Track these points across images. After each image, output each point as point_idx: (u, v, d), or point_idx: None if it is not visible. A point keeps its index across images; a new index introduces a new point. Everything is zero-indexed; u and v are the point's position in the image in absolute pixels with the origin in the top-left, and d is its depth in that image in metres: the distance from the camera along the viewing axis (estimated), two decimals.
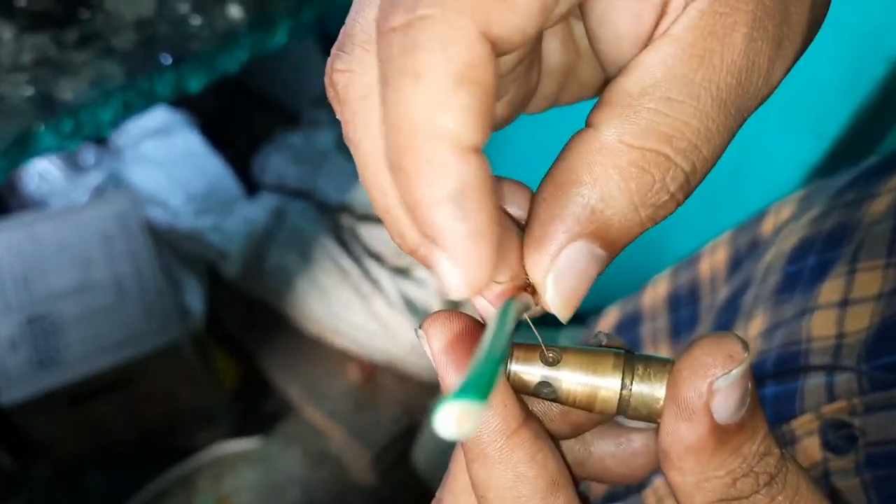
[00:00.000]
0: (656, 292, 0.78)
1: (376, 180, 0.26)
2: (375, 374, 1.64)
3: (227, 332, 1.69)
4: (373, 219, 1.65)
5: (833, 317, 0.50)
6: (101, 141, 1.73)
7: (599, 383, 0.27)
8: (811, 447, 0.48)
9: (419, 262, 0.27)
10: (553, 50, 0.30)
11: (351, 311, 1.59)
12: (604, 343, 0.29)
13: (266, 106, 1.93)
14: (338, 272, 1.61)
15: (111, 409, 1.45)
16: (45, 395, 1.33)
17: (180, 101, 1.72)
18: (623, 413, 0.27)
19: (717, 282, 0.72)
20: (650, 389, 0.27)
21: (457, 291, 0.23)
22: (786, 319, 0.54)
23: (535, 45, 0.28)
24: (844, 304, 0.50)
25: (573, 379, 0.27)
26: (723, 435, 0.24)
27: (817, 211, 0.59)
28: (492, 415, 0.26)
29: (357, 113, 0.25)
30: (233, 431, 1.61)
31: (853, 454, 0.45)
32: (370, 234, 1.64)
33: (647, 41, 0.25)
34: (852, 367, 0.47)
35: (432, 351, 0.27)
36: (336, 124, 1.78)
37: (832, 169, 1.11)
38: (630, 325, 0.79)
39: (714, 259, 0.73)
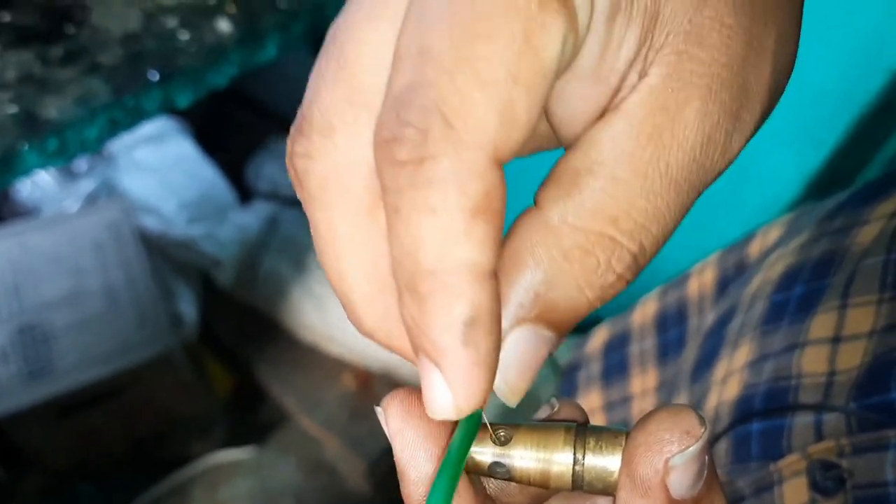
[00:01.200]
0: (645, 312, 0.77)
1: (334, 266, 0.25)
2: (371, 382, 1.63)
3: (220, 340, 1.68)
4: None
5: (825, 353, 0.49)
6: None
7: (552, 459, 0.27)
8: (799, 488, 0.47)
9: (376, 343, 0.27)
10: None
11: (345, 320, 1.58)
12: (556, 407, 0.29)
13: (260, 112, 1.92)
14: None
15: (103, 419, 1.45)
16: (37, 406, 1.32)
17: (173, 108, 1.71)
18: (578, 488, 0.27)
19: (704, 302, 0.71)
20: (603, 463, 0.26)
21: (443, 412, 0.23)
22: (774, 352, 0.53)
23: None
24: (836, 340, 0.49)
25: (525, 457, 0.27)
26: None
27: (805, 237, 0.58)
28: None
29: (315, 199, 0.25)
30: (227, 441, 1.61)
31: (841, 496, 0.45)
32: None
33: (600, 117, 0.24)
34: (842, 406, 0.47)
35: (389, 430, 0.26)
36: None
37: (831, 180, 1.10)
38: (618, 344, 0.78)
39: (702, 279, 0.73)
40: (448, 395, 0.22)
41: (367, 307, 0.25)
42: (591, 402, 0.79)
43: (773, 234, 0.67)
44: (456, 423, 0.26)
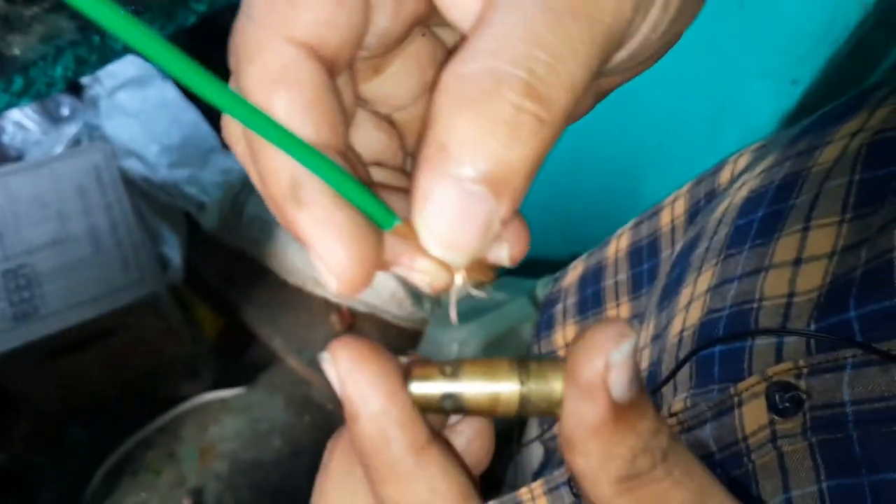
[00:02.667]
0: (619, 245, 0.77)
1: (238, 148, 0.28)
2: (356, 322, 1.64)
3: (207, 283, 1.69)
4: None
5: (786, 276, 0.49)
6: (76, 91, 1.71)
7: (499, 387, 0.28)
8: (757, 410, 0.47)
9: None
10: None
11: None
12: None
13: None
14: None
15: (91, 362, 1.45)
16: (23, 349, 1.33)
17: None
18: (524, 412, 0.28)
19: (676, 233, 0.71)
20: (546, 383, 0.28)
21: (332, 287, 0.24)
22: (737, 276, 0.53)
23: (413, 13, 0.28)
24: (797, 262, 0.49)
25: (474, 387, 0.28)
26: (620, 411, 0.25)
27: (770, 161, 0.58)
28: (400, 433, 0.27)
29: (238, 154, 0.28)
30: (215, 382, 1.62)
31: (800, 417, 0.45)
32: None
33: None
34: (801, 328, 0.47)
35: (339, 373, 0.27)
36: None
37: (809, 114, 1.10)
38: (593, 278, 0.78)
39: (674, 211, 0.72)
40: (320, 261, 0.24)
41: None
42: (569, 334, 0.79)
43: (743, 160, 0.66)
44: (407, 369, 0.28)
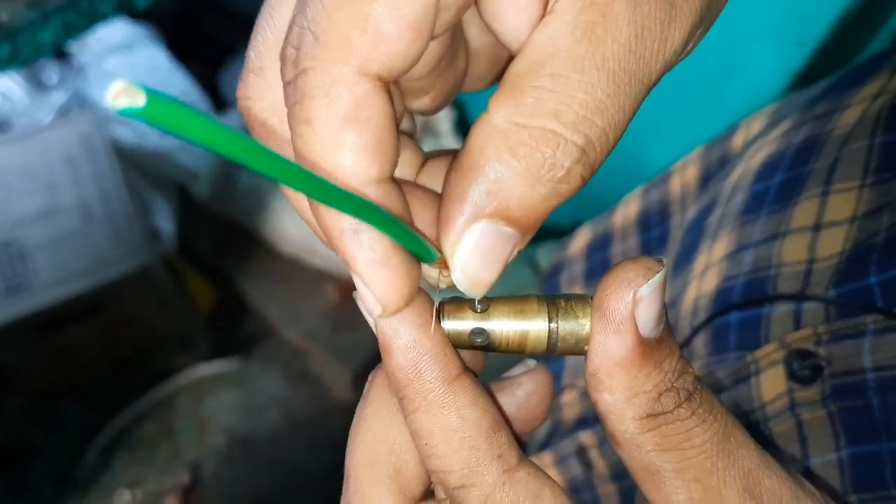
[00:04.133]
0: (627, 212, 0.75)
1: (292, 195, 0.28)
2: (353, 293, 1.62)
3: (200, 255, 1.67)
4: None
5: (805, 241, 0.48)
6: (63, 57, 1.67)
7: (528, 324, 0.29)
8: (776, 378, 0.46)
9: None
10: (474, 35, 0.31)
11: None
12: (530, 367, 0.33)
13: (232, 17, 1.86)
14: None
15: (83, 335, 1.44)
16: (16, 323, 1.31)
17: (143, 15, 1.65)
18: (552, 349, 0.29)
19: (687, 199, 0.69)
20: (575, 320, 0.29)
21: (374, 310, 0.27)
22: (753, 242, 0.52)
23: (450, 40, 0.29)
24: (817, 227, 0.48)
25: (504, 325, 0.29)
26: (647, 348, 0.26)
27: (787, 125, 0.56)
28: (432, 363, 0.28)
29: (260, 137, 0.28)
30: (210, 354, 1.61)
31: (819, 385, 0.44)
32: None
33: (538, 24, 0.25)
34: (821, 294, 0.45)
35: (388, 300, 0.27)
36: None
37: (815, 76, 1.08)
38: (601, 245, 0.77)
39: (684, 176, 0.71)
40: (370, 295, 0.26)
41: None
42: None
43: (757, 124, 0.64)
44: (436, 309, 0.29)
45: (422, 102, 0.29)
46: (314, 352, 1.58)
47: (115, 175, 1.43)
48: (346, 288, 1.62)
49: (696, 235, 0.60)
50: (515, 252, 0.26)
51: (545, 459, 0.64)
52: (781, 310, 0.48)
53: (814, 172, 0.50)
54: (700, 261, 0.57)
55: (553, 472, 0.64)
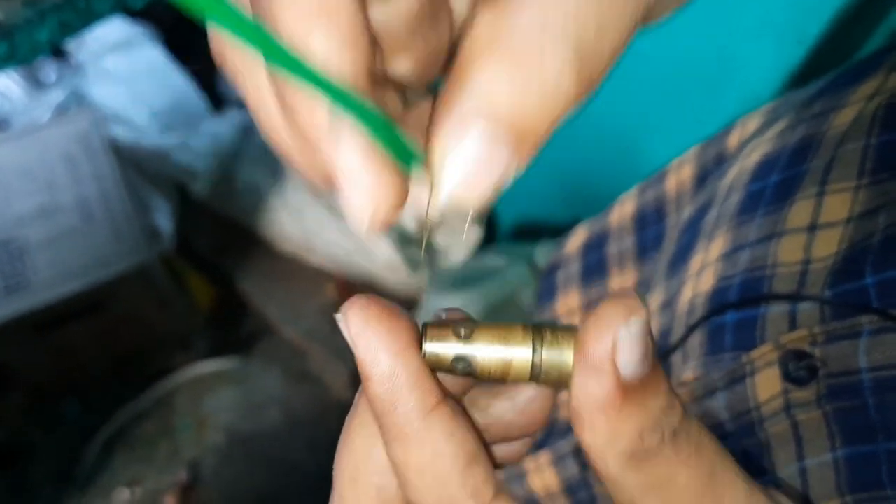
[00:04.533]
0: (623, 211, 0.75)
1: (267, 123, 0.27)
2: (352, 292, 1.62)
3: (199, 253, 1.66)
4: None
5: (801, 242, 0.48)
6: (61, 56, 1.67)
7: (512, 353, 0.28)
8: (771, 378, 0.46)
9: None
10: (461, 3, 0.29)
11: (325, 229, 1.57)
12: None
13: None
14: (310, 190, 1.57)
15: (83, 334, 1.44)
16: (15, 322, 1.31)
17: (141, 14, 1.65)
18: (535, 380, 0.29)
19: (683, 199, 0.69)
20: (559, 353, 0.28)
21: (363, 223, 0.24)
22: (749, 242, 0.51)
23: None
24: (813, 228, 0.47)
25: (486, 352, 0.28)
26: (628, 390, 0.25)
27: (783, 124, 0.56)
28: (408, 395, 0.27)
29: (239, 72, 0.27)
30: (209, 353, 1.60)
31: (814, 385, 0.44)
32: None
33: None
34: (816, 294, 0.45)
35: (350, 334, 0.27)
36: None
37: (814, 75, 1.07)
38: (597, 244, 0.76)
39: (680, 175, 0.70)
40: (354, 200, 0.23)
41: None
42: (571, 302, 0.77)
43: (752, 123, 0.64)
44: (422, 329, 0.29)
45: (403, 65, 0.27)
46: (314, 350, 1.58)
47: (114, 173, 1.43)
48: (344, 286, 1.62)
49: (692, 235, 0.60)
50: (509, 174, 0.24)
51: (542, 459, 0.64)
52: (777, 310, 0.48)
53: (809, 172, 0.50)
54: (696, 260, 0.57)
55: (550, 472, 0.64)
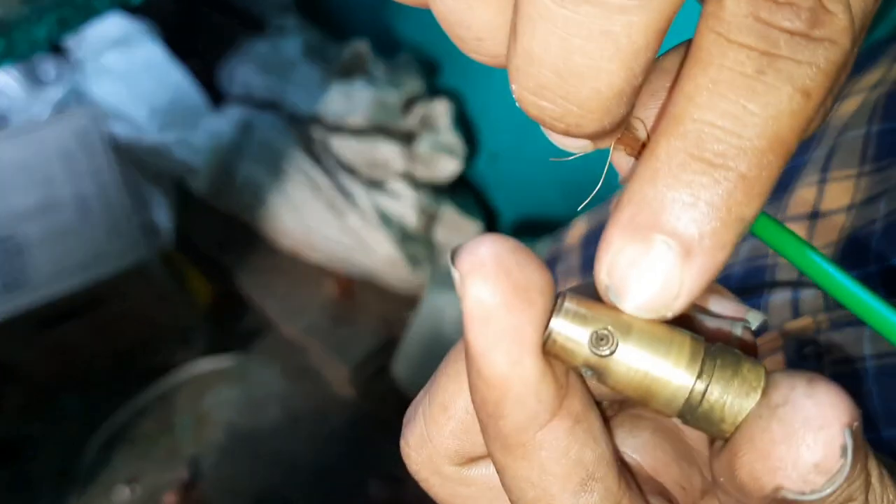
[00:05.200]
0: None
1: None
2: (352, 288, 1.62)
3: (198, 249, 1.66)
4: (344, 130, 1.60)
5: (802, 229, 0.47)
6: (59, 53, 1.67)
7: (668, 376, 0.21)
8: (775, 365, 0.46)
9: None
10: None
11: (325, 226, 1.56)
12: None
13: (229, 11, 1.85)
14: (310, 186, 1.57)
15: (83, 331, 1.44)
16: (15, 319, 1.31)
17: (140, 10, 1.65)
18: (681, 417, 0.22)
19: None
20: (731, 402, 0.21)
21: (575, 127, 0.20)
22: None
23: None
24: (815, 215, 0.47)
25: (634, 362, 0.21)
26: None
27: None
28: (520, 408, 0.21)
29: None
30: (209, 350, 1.60)
31: (818, 373, 0.43)
32: (342, 147, 1.59)
33: None
34: None
35: (468, 305, 0.21)
36: (303, 31, 1.72)
37: None
38: (598, 236, 0.76)
39: None
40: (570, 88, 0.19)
41: None
42: None
43: None
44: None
45: None
46: (313, 347, 1.58)
47: (113, 170, 1.43)
48: (344, 283, 1.62)
49: None
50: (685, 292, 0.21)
51: None
52: (779, 298, 0.47)
53: (812, 161, 0.49)
54: None
55: None
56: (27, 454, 1.49)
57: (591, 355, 0.21)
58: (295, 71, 1.65)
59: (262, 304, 1.63)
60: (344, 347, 1.55)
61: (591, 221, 0.78)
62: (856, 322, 0.42)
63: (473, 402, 0.22)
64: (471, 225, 1.57)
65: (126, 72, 1.61)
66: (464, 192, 1.67)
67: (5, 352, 1.41)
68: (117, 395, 1.53)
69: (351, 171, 1.59)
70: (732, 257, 0.51)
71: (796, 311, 0.46)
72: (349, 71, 1.64)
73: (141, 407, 1.54)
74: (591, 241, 0.76)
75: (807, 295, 0.46)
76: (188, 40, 1.76)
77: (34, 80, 1.61)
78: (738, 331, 0.25)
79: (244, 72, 1.68)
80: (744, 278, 0.50)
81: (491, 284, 0.20)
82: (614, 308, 0.21)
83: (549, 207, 1.47)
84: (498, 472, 0.24)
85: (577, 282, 0.75)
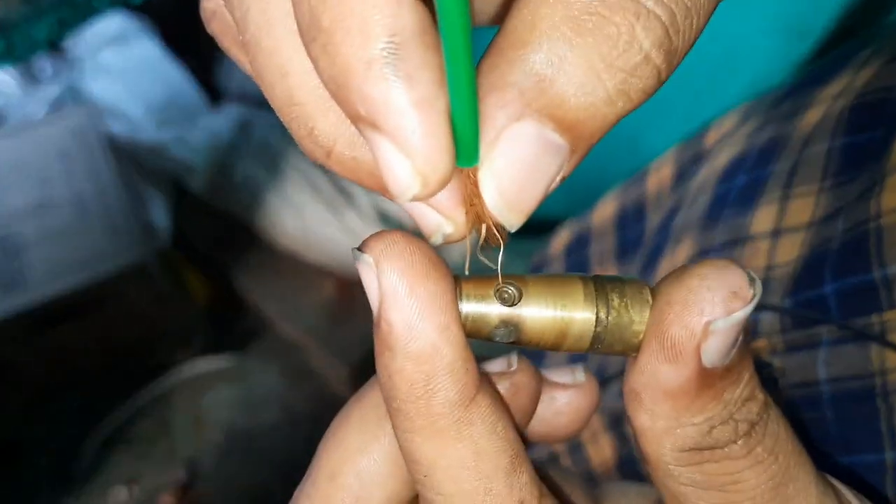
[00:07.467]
0: (605, 211, 0.73)
1: (271, 60, 0.21)
2: (351, 288, 1.61)
3: (196, 248, 1.65)
4: None
5: (764, 247, 0.46)
6: (56, 51, 1.66)
7: (571, 317, 0.23)
8: None
9: (337, 172, 0.22)
10: None
11: (324, 226, 1.55)
12: (513, 366, 0.26)
13: None
14: (309, 185, 1.56)
15: (81, 331, 1.43)
16: (12, 319, 1.30)
17: (138, 8, 1.64)
18: (594, 349, 0.23)
19: (662, 199, 0.67)
20: (628, 321, 0.23)
21: (407, 188, 0.19)
22: (714, 247, 0.49)
23: None
24: (776, 233, 0.45)
25: (539, 315, 0.23)
26: (707, 379, 0.21)
27: (753, 124, 0.54)
28: (450, 381, 0.22)
29: (250, 30, 0.22)
30: (207, 350, 1.59)
31: (774, 396, 0.42)
32: None
33: None
34: (777, 303, 0.43)
35: (380, 287, 0.21)
36: None
37: None
38: (578, 245, 0.74)
39: (660, 175, 0.68)
40: (403, 161, 0.18)
41: (322, 105, 0.21)
42: None
43: (728, 123, 0.62)
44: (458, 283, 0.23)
45: None
46: (312, 347, 1.57)
47: (110, 169, 1.42)
48: (343, 283, 1.60)
49: (662, 238, 0.58)
50: (560, 176, 0.20)
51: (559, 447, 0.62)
52: None
53: (775, 175, 0.48)
54: (664, 265, 0.55)
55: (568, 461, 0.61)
56: (25, 454, 1.49)
57: (504, 311, 0.23)
58: None
59: (261, 304, 1.62)
60: (343, 347, 1.54)
61: (573, 229, 0.76)
62: (810, 345, 0.41)
63: (394, 400, 0.22)
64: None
65: (123, 70, 1.60)
66: None
67: (4, 352, 1.41)
68: (115, 395, 1.53)
69: None
70: None
71: (754, 332, 0.44)
72: None
73: (138, 407, 1.53)
74: (573, 250, 0.75)
75: (765, 316, 0.44)
76: (186, 38, 1.75)
77: (31, 78, 1.60)
78: (578, 375, 0.28)
79: (242, 70, 1.67)
80: None
81: (408, 258, 0.21)
82: (505, 276, 0.23)
83: (548, 206, 1.45)
84: (417, 472, 0.23)
85: (614, 268, 0.73)
